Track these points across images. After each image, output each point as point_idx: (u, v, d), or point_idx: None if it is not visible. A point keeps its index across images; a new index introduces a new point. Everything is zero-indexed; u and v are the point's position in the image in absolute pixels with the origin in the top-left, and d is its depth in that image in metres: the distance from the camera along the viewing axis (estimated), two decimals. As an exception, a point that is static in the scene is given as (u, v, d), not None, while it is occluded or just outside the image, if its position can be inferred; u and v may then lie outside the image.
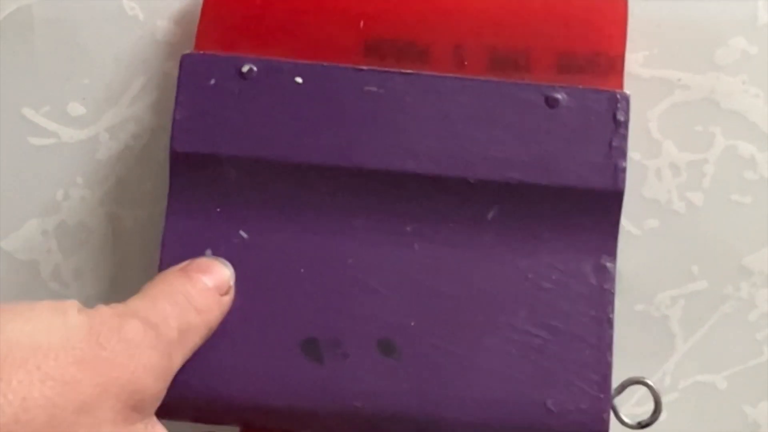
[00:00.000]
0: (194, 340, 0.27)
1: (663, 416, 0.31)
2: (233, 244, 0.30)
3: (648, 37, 0.34)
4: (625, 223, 0.33)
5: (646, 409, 0.31)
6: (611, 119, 0.30)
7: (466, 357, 0.30)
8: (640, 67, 0.34)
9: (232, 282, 0.29)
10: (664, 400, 0.32)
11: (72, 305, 0.26)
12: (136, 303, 0.27)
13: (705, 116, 0.33)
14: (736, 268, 0.32)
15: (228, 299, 0.29)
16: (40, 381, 0.23)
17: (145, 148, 0.34)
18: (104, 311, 0.26)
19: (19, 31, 0.34)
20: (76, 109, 0.34)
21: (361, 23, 0.31)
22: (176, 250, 0.30)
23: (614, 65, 0.31)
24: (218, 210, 0.31)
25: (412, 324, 0.30)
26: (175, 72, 0.33)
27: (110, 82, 0.34)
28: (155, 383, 0.26)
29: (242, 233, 0.30)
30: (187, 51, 0.33)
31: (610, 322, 0.29)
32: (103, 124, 0.34)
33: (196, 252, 0.30)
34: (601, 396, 0.29)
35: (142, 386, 0.25)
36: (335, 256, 0.30)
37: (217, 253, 0.30)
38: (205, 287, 0.28)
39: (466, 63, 0.31)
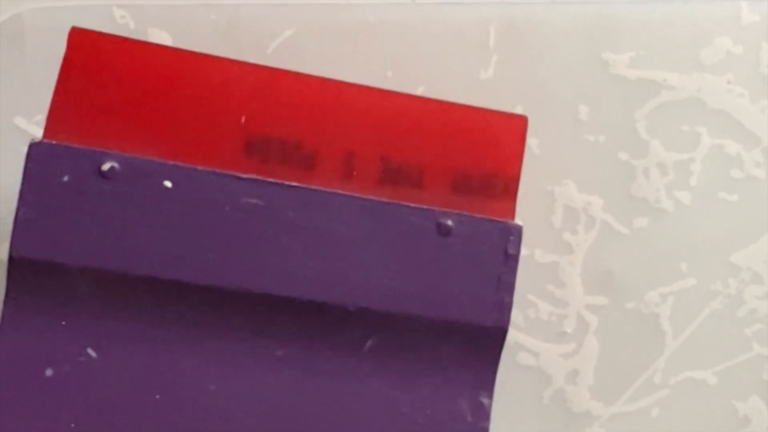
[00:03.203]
0: None
1: (655, 412, 0.32)
2: (78, 363, 0.27)
3: (633, 39, 0.34)
4: (614, 222, 0.33)
5: None
6: (502, 252, 0.28)
7: None
8: (627, 68, 0.34)
9: None
10: (656, 396, 0.32)
11: None
12: None
13: (691, 116, 0.34)
14: (724, 264, 0.33)
15: None
16: None
17: (137, 155, 0.34)
18: None
19: (11, 40, 0.34)
20: (68, 117, 0.34)
21: (243, 118, 0.28)
22: (11, 370, 0.26)
23: (508, 188, 0.29)
24: (63, 324, 0.27)
25: None
26: (166, 79, 0.33)
27: (101, 90, 0.34)
28: None
29: (90, 351, 0.27)
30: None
31: None
32: (95, 132, 0.34)
33: (34, 372, 0.27)
34: None
35: None
36: (195, 382, 0.27)
37: (59, 374, 0.27)
38: None
39: (355, 173, 0.28)
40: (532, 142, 0.33)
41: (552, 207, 0.33)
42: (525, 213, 0.32)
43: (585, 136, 0.34)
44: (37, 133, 0.34)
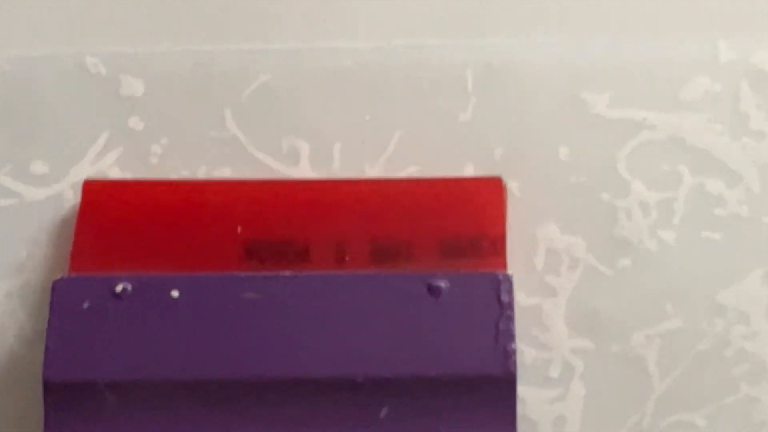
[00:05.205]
0: None
1: (645, 457, 0.31)
2: None
3: (612, 78, 0.34)
4: (598, 263, 0.33)
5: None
6: (496, 301, 0.29)
7: None
8: (606, 108, 0.34)
9: None
10: (645, 441, 0.32)
11: None
12: None
13: (672, 154, 0.34)
14: (710, 304, 0.32)
15: None
16: None
17: (111, 204, 0.33)
18: None
19: (-20, 90, 0.34)
20: (39, 167, 0.33)
21: (239, 229, 0.31)
22: None
23: (495, 247, 0.30)
24: None
25: None
26: (139, 127, 0.33)
27: (74, 139, 0.34)
28: None
29: None
30: (151, 105, 0.33)
31: None
32: (67, 182, 0.33)
33: None
34: None
35: None
36: None
37: None
38: None
39: (347, 258, 0.30)
40: (513, 184, 0.33)
41: (534, 249, 0.33)
42: (507, 255, 0.31)
43: (566, 177, 0.33)
44: (7, 184, 0.33)
